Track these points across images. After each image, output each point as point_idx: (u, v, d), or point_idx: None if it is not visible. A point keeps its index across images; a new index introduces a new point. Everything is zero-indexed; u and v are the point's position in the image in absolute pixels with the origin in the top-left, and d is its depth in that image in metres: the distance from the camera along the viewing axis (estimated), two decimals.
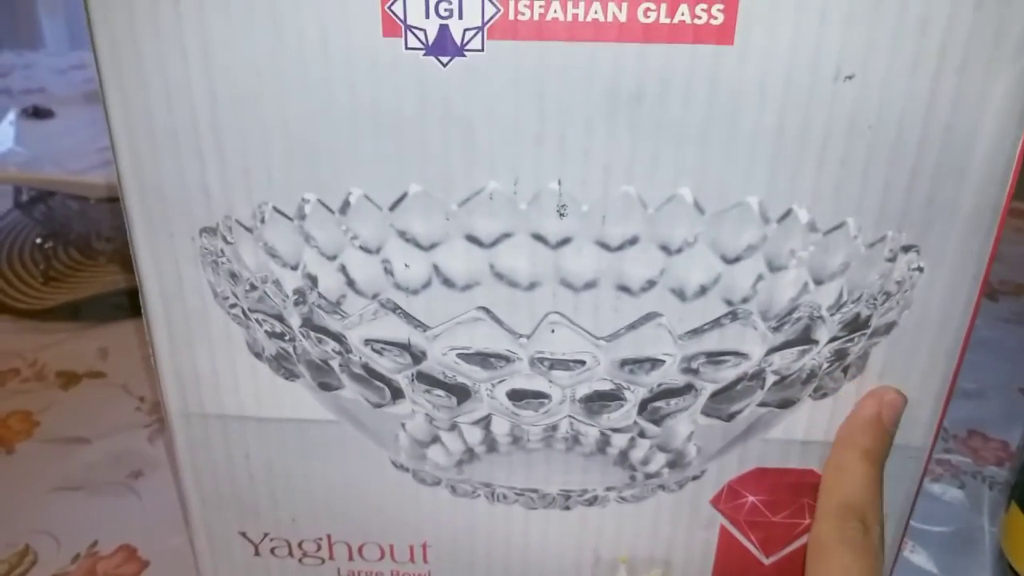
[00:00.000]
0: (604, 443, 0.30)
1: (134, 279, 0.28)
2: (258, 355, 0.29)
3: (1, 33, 1.53)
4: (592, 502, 0.31)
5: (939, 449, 0.45)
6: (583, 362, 0.28)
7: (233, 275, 0.27)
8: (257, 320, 0.28)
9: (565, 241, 0.26)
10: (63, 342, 0.51)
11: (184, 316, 0.28)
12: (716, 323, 0.27)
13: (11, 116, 0.61)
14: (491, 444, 0.30)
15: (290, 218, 0.26)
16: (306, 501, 0.32)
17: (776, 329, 0.27)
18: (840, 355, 0.27)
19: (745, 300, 0.27)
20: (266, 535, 0.33)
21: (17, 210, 0.59)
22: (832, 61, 0.23)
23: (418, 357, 0.28)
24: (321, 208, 0.26)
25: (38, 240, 0.57)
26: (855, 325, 0.27)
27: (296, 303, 0.27)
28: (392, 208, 0.26)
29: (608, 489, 0.31)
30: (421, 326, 0.27)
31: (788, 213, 0.25)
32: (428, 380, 0.28)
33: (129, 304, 0.53)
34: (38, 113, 0.67)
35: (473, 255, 0.26)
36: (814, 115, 0.24)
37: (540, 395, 0.28)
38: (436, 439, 0.30)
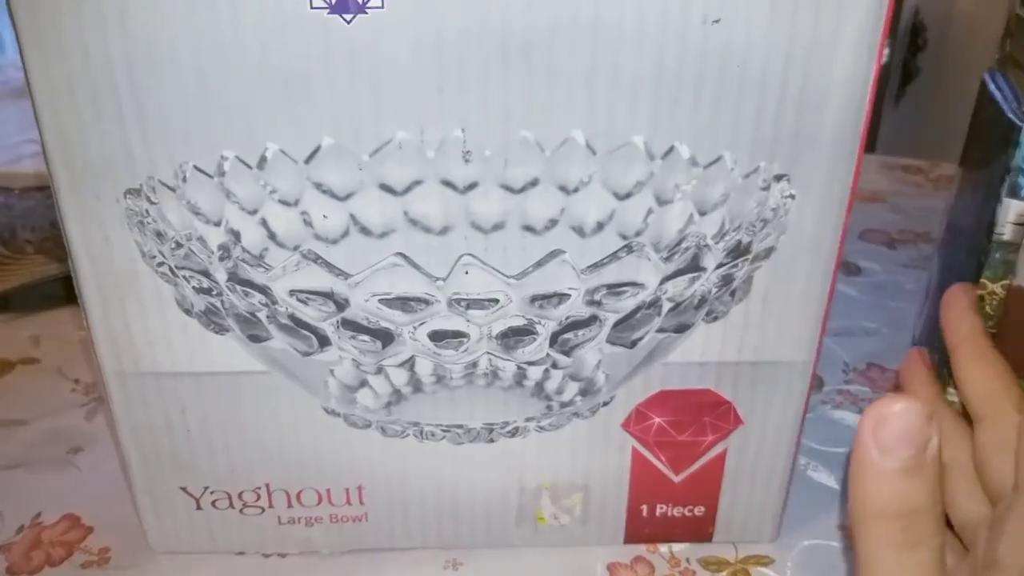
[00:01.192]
0: (521, 376, 0.32)
1: (62, 268, 0.29)
2: (188, 311, 0.30)
3: None
4: (514, 433, 0.33)
5: (840, 381, 0.48)
6: (496, 300, 0.30)
7: (159, 234, 0.29)
8: (184, 277, 0.30)
9: (472, 186, 0.28)
10: None
11: (113, 277, 0.30)
12: (614, 256, 0.29)
13: None
14: (416, 384, 0.32)
15: (210, 175, 0.28)
16: (243, 452, 0.34)
17: (667, 259, 0.29)
18: (727, 280, 0.30)
19: (638, 233, 0.29)
20: (206, 488, 0.35)
21: None
22: (700, 5, 0.26)
23: (341, 304, 0.30)
24: (239, 164, 0.28)
25: None
26: (738, 251, 0.29)
27: (221, 258, 0.29)
28: (307, 161, 0.28)
29: (528, 420, 0.33)
30: (343, 274, 0.29)
31: (671, 150, 0.28)
32: (353, 326, 0.30)
33: (60, 293, 0.53)
34: None
35: (387, 203, 0.28)
36: (687, 57, 0.26)
37: (459, 334, 0.30)
38: (364, 383, 0.32)
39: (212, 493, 0.35)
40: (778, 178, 0.28)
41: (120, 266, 0.29)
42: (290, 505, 0.35)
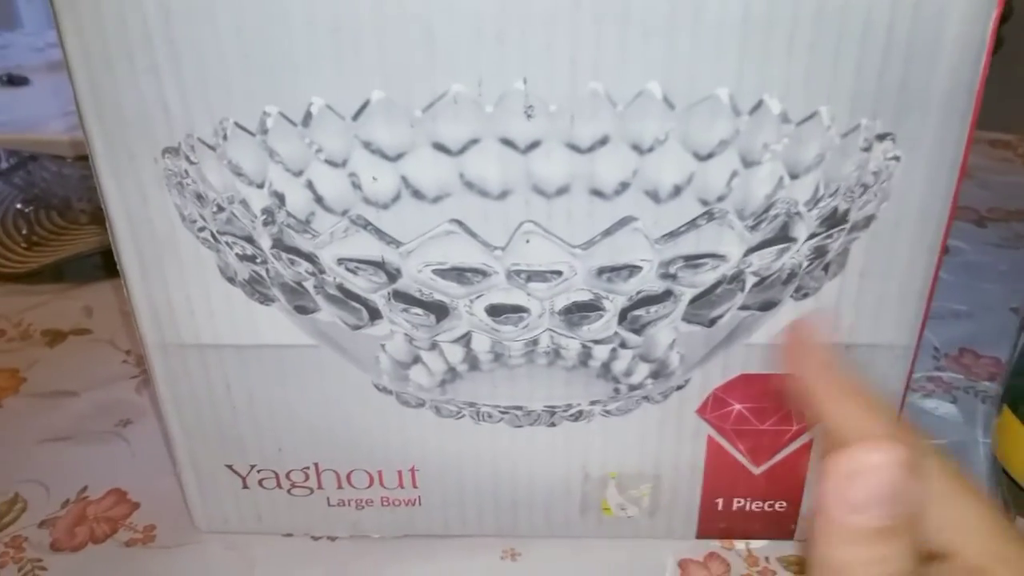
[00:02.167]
0: (586, 355, 0.29)
1: None
2: (231, 280, 0.29)
3: None
4: (577, 417, 0.31)
5: (931, 367, 0.45)
6: (560, 272, 0.27)
7: (199, 196, 0.27)
8: (227, 243, 0.28)
9: (534, 145, 0.26)
10: (48, 303, 0.51)
11: (153, 242, 0.28)
12: (692, 224, 0.26)
13: None
14: (473, 362, 0.30)
15: (252, 133, 0.26)
16: (291, 430, 0.32)
17: (753, 228, 0.26)
18: (820, 252, 0.27)
19: (720, 199, 0.26)
20: (253, 467, 0.33)
21: None
22: None
23: (393, 275, 0.27)
24: (283, 121, 0.25)
25: (19, 206, 0.57)
26: (833, 220, 0.26)
27: (265, 223, 0.27)
28: (355, 117, 0.25)
29: (592, 403, 0.31)
30: (394, 242, 0.27)
31: (759, 104, 0.25)
32: (405, 298, 0.28)
33: (107, 263, 0.53)
34: (13, 81, 0.66)
35: (441, 164, 0.26)
36: (780, 1, 0.23)
37: (519, 309, 0.28)
38: (417, 359, 0.30)
39: (259, 472, 0.33)
40: (881, 138, 0.25)
41: (159, 231, 0.28)
42: (340, 487, 0.33)
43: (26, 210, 0.56)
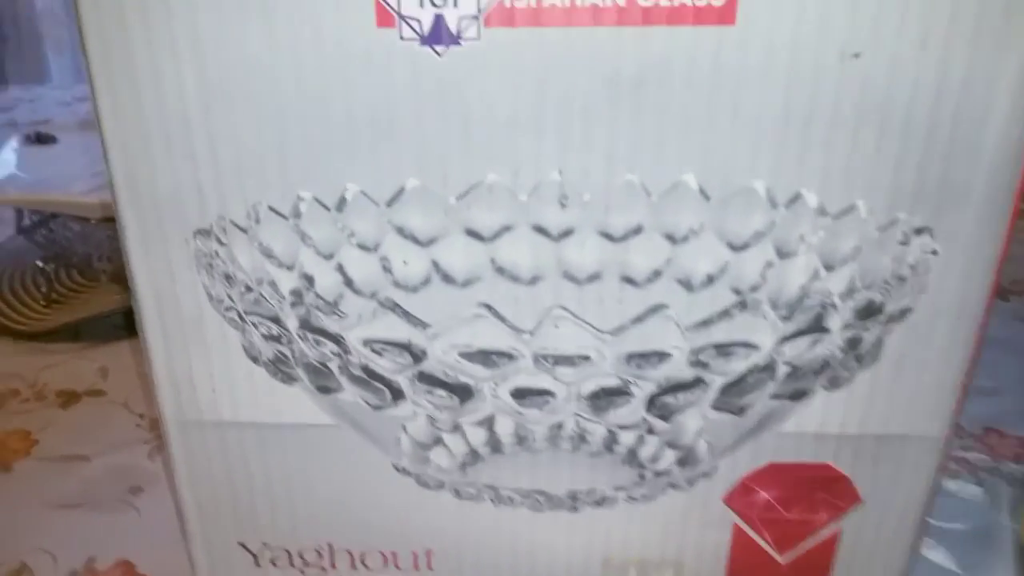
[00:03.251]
0: (611, 441, 0.29)
1: None
2: (255, 359, 0.28)
3: (9, 70, 1.53)
4: (600, 503, 0.30)
5: (956, 447, 0.44)
6: (588, 357, 0.27)
7: (228, 277, 0.27)
8: (253, 323, 0.27)
9: (567, 232, 0.25)
10: (64, 363, 0.51)
11: (179, 321, 0.28)
12: (725, 313, 0.26)
13: (13, 143, 0.60)
14: (495, 445, 0.29)
15: (285, 217, 0.26)
16: (306, 509, 0.31)
17: (787, 318, 0.26)
18: (854, 343, 0.27)
19: (754, 288, 0.26)
20: (265, 544, 0.32)
21: (20, 235, 0.59)
22: (838, 39, 0.23)
23: (418, 357, 0.27)
24: (317, 206, 0.25)
25: (39, 263, 0.57)
26: (868, 311, 0.26)
27: (293, 304, 0.27)
28: (390, 204, 0.25)
29: (617, 489, 0.30)
30: (421, 325, 0.27)
31: (796, 197, 0.25)
32: (429, 380, 0.28)
33: (128, 323, 0.52)
34: (40, 139, 0.66)
35: (473, 249, 0.26)
36: (820, 96, 0.23)
37: (545, 393, 0.28)
38: (439, 441, 0.29)
39: (271, 550, 0.32)
40: (919, 232, 0.25)
41: (186, 309, 0.27)
42: (354, 567, 0.32)
43: (47, 267, 0.56)
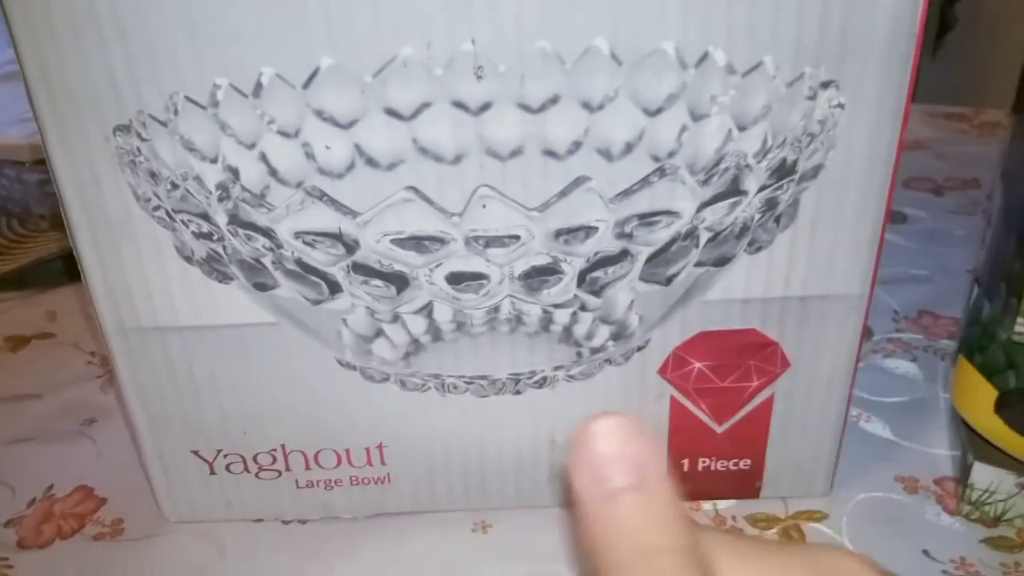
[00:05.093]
0: (547, 320, 0.30)
1: None
2: (188, 259, 0.28)
3: None
4: (542, 383, 0.31)
5: (890, 329, 0.45)
6: (518, 237, 0.27)
7: (153, 174, 0.27)
8: (183, 221, 0.28)
9: (486, 106, 0.26)
10: (10, 309, 0.50)
11: (107, 224, 0.28)
12: (645, 182, 0.27)
13: None
14: (435, 333, 0.30)
15: (203, 107, 0.26)
16: (256, 411, 0.32)
17: (705, 182, 0.27)
18: (771, 204, 0.27)
19: (671, 154, 0.26)
20: (219, 452, 0.33)
21: None
22: None
23: (351, 247, 0.27)
24: (234, 93, 0.25)
25: None
26: (782, 171, 0.27)
27: (220, 199, 0.27)
28: (306, 85, 0.25)
29: (556, 368, 0.31)
30: (350, 213, 0.27)
31: (705, 56, 0.25)
32: (364, 270, 0.28)
33: (68, 268, 0.52)
34: None
35: (394, 129, 0.26)
36: None
37: (479, 276, 0.28)
38: (380, 332, 0.30)
39: (226, 456, 0.33)
40: (825, 85, 0.26)
41: (114, 211, 0.28)
42: (308, 467, 0.33)
43: None
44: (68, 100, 0.26)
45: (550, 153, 0.26)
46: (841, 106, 0.26)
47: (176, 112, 0.26)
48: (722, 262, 0.29)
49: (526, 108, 0.26)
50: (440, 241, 0.27)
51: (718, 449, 0.33)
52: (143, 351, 0.30)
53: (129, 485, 0.36)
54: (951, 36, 1.17)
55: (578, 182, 0.27)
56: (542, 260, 0.28)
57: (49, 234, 0.55)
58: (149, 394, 0.31)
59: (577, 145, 0.26)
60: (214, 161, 0.26)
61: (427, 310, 0.29)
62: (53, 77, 0.25)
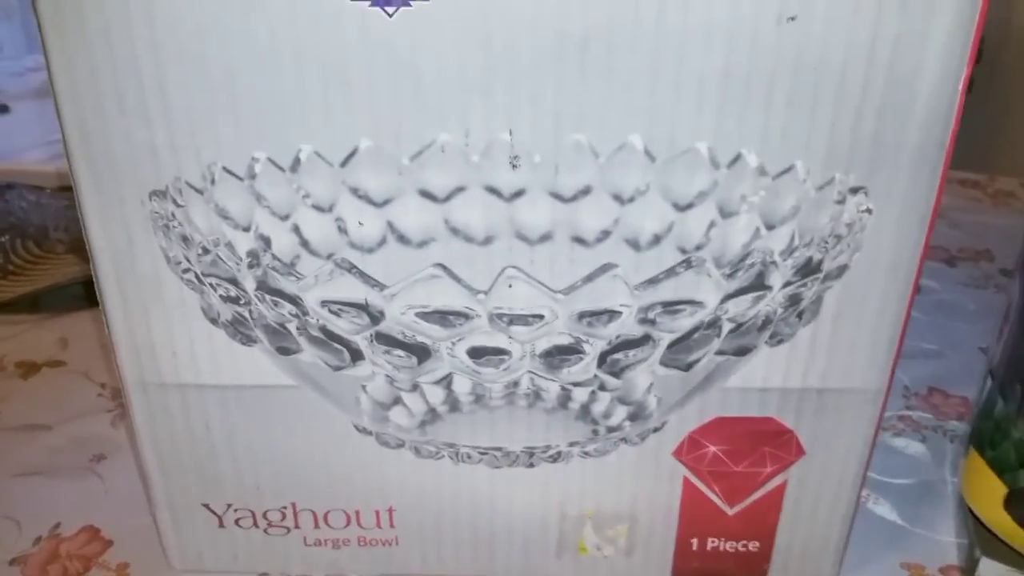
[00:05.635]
0: (565, 398, 0.30)
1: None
2: (214, 321, 0.29)
3: None
4: (556, 458, 0.31)
5: (900, 406, 0.45)
6: (542, 316, 0.28)
7: (185, 239, 0.27)
8: (211, 284, 0.28)
9: (519, 193, 0.26)
10: (22, 333, 0.50)
11: (136, 283, 0.28)
12: (671, 272, 0.27)
13: None
14: (453, 403, 0.30)
15: (240, 178, 0.26)
16: (269, 469, 0.32)
17: (730, 276, 0.27)
18: (794, 300, 0.28)
19: (699, 247, 0.27)
20: (230, 506, 0.33)
21: None
22: (775, 3, 0.23)
23: (376, 317, 0.28)
24: (271, 167, 0.26)
25: None
26: (807, 269, 0.27)
27: (250, 265, 0.27)
28: (343, 164, 0.26)
29: (571, 444, 0.31)
30: (378, 285, 0.27)
31: (738, 158, 0.25)
32: (387, 340, 0.28)
33: (88, 294, 0.52)
34: None
35: (427, 210, 0.26)
36: (759, 58, 0.24)
37: (500, 351, 0.28)
38: (398, 400, 0.30)
39: (236, 511, 0.33)
40: (854, 191, 0.26)
41: (143, 271, 0.28)
42: (317, 526, 0.33)
43: (1, 239, 0.55)
44: (107, 163, 0.26)
45: (579, 240, 0.27)
46: (869, 211, 0.26)
47: (213, 181, 0.26)
48: (743, 352, 0.29)
49: (558, 197, 0.26)
50: (464, 316, 0.28)
51: (728, 530, 0.33)
52: (163, 406, 0.30)
53: (136, 528, 0.36)
54: (968, 98, 1.18)
55: (605, 268, 0.27)
56: (564, 340, 0.28)
57: (66, 257, 0.55)
58: (164, 446, 0.31)
59: (606, 234, 0.27)
60: (247, 229, 0.27)
61: (447, 381, 0.29)
62: (93, 140, 0.26)
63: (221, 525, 0.33)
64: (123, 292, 0.28)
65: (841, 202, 0.26)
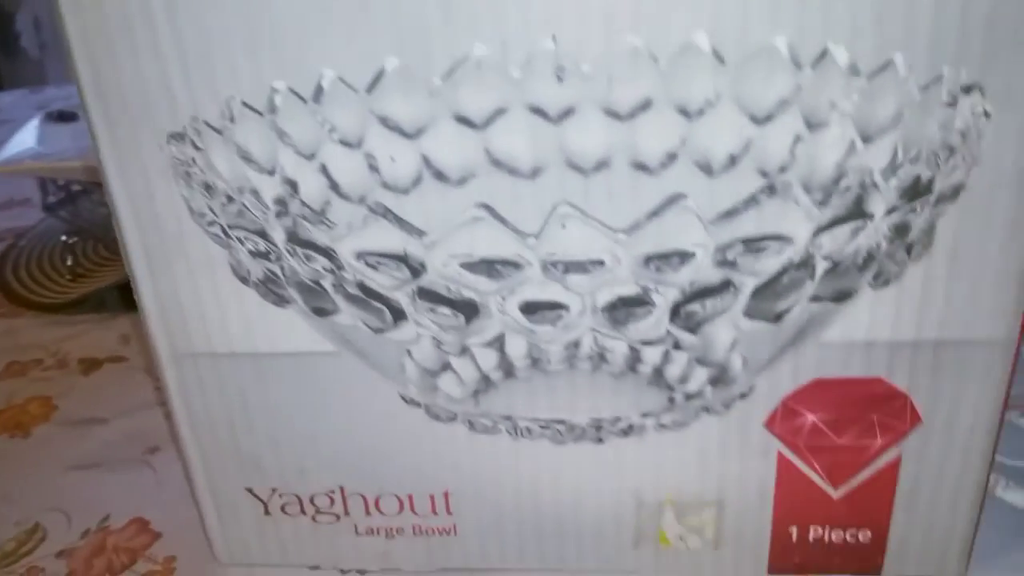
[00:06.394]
0: (634, 359, 0.26)
1: None
2: (244, 280, 0.26)
3: (49, 72, 1.57)
4: (627, 432, 0.28)
5: None
6: (602, 262, 0.24)
7: (208, 187, 0.25)
8: (239, 238, 0.26)
9: (568, 112, 0.23)
10: (87, 332, 0.50)
11: (160, 239, 0.26)
12: (751, 200, 0.23)
13: (35, 121, 0.61)
14: (508, 369, 0.27)
15: (261, 112, 0.24)
16: (312, 448, 0.29)
17: (822, 203, 0.23)
18: (901, 230, 0.23)
19: (783, 169, 0.23)
20: (274, 491, 0.30)
21: (45, 212, 0.59)
22: None
23: (416, 270, 0.25)
24: (293, 97, 0.23)
25: (64, 238, 0.57)
26: (915, 191, 0.23)
27: (278, 214, 0.25)
28: (369, 90, 0.23)
29: (644, 415, 0.27)
30: (416, 232, 0.24)
31: (824, 54, 0.22)
32: (431, 296, 0.25)
33: None
34: (62, 116, 0.67)
35: (465, 139, 0.23)
36: None
37: (556, 306, 0.25)
38: (447, 366, 0.27)
39: (281, 496, 0.30)
40: (967, 90, 0.22)
41: (167, 226, 0.26)
42: (368, 513, 0.30)
43: (71, 241, 0.56)
44: (121, 106, 0.24)
45: (640, 166, 0.23)
46: (987, 114, 0.22)
47: (232, 119, 0.24)
48: (842, 297, 0.25)
49: (613, 114, 0.23)
50: (514, 265, 0.24)
51: (833, 517, 0.28)
52: (196, 378, 0.28)
53: (185, 520, 0.34)
54: None
55: (672, 200, 0.23)
56: (629, 290, 0.25)
57: None
58: (201, 425, 0.29)
59: (672, 157, 0.23)
60: (272, 173, 0.24)
61: (498, 343, 0.26)
62: (105, 80, 0.24)
63: (266, 512, 0.31)
64: (148, 251, 0.26)
65: (952, 104, 0.22)
